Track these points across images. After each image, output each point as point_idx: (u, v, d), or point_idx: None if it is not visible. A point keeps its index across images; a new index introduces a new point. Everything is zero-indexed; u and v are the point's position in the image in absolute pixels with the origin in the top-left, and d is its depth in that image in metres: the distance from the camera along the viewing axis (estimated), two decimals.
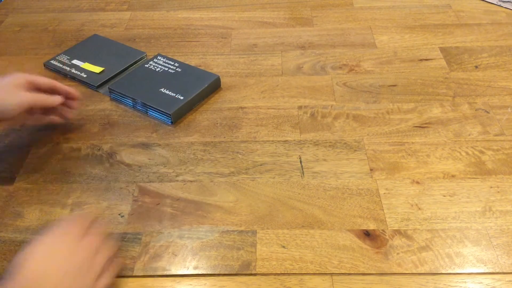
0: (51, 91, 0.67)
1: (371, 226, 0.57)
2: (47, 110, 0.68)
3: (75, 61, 0.84)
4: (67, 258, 0.46)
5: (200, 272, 0.53)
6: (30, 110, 0.65)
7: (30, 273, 0.44)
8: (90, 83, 0.80)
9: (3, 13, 1.01)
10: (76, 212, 0.60)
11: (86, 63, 0.84)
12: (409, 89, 0.77)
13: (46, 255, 0.46)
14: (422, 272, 0.52)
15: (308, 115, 0.73)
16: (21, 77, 0.63)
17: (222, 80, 0.79)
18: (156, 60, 0.82)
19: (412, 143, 0.67)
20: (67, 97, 0.69)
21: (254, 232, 0.57)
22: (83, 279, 0.46)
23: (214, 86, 0.78)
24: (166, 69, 0.80)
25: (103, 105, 0.76)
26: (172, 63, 0.81)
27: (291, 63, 0.83)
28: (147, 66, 0.81)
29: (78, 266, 0.46)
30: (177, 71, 0.79)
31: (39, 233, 0.48)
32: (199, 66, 0.83)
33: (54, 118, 0.70)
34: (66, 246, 0.47)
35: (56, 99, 0.66)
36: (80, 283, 0.46)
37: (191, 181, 0.63)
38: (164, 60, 0.82)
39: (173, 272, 0.53)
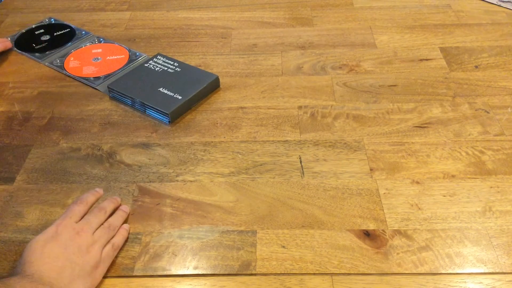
0: None
1: (371, 226, 0.57)
2: None
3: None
4: (62, 253, 0.49)
5: (200, 272, 0.53)
6: None
7: (33, 268, 0.47)
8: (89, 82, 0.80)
9: (3, 13, 1.01)
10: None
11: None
12: (409, 89, 0.77)
13: (44, 251, 0.49)
14: (422, 272, 0.52)
15: (308, 115, 0.72)
16: None
17: (222, 80, 0.79)
18: (156, 60, 0.82)
19: (412, 143, 0.67)
20: None
21: (254, 232, 0.57)
22: (80, 270, 0.49)
23: (213, 86, 0.78)
24: (166, 68, 0.80)
25: (103, 105, 0.76)
26: (172, 62, 0.81)
27: (291, 63, 0.83)
28: (146, 65, 0.81)
29: (72, 260, 0.49)
30: (177, 70, 0.79)
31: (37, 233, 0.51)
32: (199, 66, 0.83)
33: None
34: (59, 243, 0.50)
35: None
36: (78, 275, 0.48)
37: (191, 181, 0.63)
38: (164, 59, 0.82)
39: (173, 272, 0.53)
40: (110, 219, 0.56)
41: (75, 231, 0.51)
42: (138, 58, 0.85)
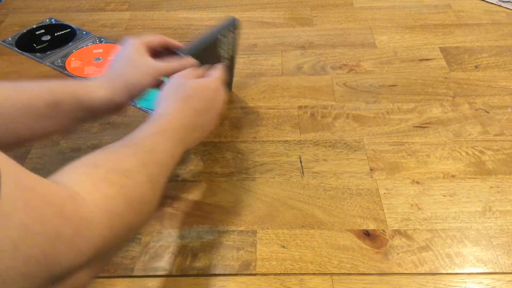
0: (164, 48, 0.62)
1: (371, 226, 0.57)
2: None
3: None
4: (194, 97, 0.53)
5: (200, 272, 0.53)
6: None
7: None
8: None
9: (3, 13, 1.01)
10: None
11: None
12: (409, 89, 0.77)
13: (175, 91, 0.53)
14: (422, 272, 0.52)
15: (308, 115, 0.73)
16: (139, 44, 0.58)
17: None
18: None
19: (412, 143, 0.67)
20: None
21: (254, 232, 0.57)
22: (210, 114, 0.54)
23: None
24: None
25: None
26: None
27: (291, 63, 0.83)
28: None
29: (204, 103, 0.53)
30: None
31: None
32: None
33: None
34: (190, 85, 0.54)
35: (190, 61, 0.60)
36: (208, 117, 0.54)
37: (191, 181, 0.63)
38: None
39: (173, 272, 0.53)
40: None
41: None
42: None
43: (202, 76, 0.57)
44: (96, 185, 0.36)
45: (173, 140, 0.48)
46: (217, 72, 0.57)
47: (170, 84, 0.55)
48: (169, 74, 0.57)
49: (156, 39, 0.60)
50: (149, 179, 0.42)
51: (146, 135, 0.47)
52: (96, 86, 0.54)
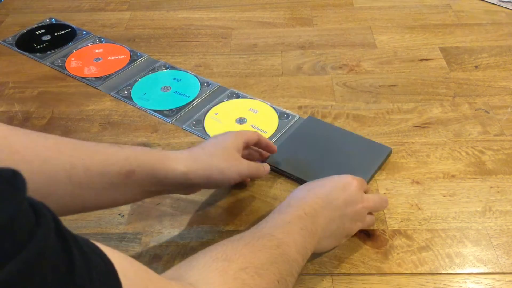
0: (255, 145, 0.59)
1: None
2: None
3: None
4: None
5: None
6: None
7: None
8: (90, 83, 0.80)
9: (3, 13, 1.01)
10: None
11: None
12: (409, 89, 0.77)
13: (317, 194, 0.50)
14: (422, 272, 0.52)
15: (308, 115, 0.72)
16: (239, 139, 0.55)
17: (223, 80, 0.79)
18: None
19: (412, 143, 0.67)
20: (265, 150, 0.61)
21: None
22: (349, 217, 0.51)
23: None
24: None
25: (103, 105, 0.76)
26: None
27: (291, 63, 0.83)
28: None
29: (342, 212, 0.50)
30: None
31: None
32: (199, 66, 0.83)
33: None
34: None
35: (266, 170, 0.58)
36: (343, 224, 0.51)
37: None
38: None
39: None
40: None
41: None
42: (140, 58, 0.85)
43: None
44: (229, 286, 0.35)
45: (302, 231, 0.45)
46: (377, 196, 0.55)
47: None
48: (249, 174, 0.56)
49: (253, 137, 0.58)
50: (279, 279, 0.39)
51: (277, 225, 0.45)
52: (176, 159, 0.50)
